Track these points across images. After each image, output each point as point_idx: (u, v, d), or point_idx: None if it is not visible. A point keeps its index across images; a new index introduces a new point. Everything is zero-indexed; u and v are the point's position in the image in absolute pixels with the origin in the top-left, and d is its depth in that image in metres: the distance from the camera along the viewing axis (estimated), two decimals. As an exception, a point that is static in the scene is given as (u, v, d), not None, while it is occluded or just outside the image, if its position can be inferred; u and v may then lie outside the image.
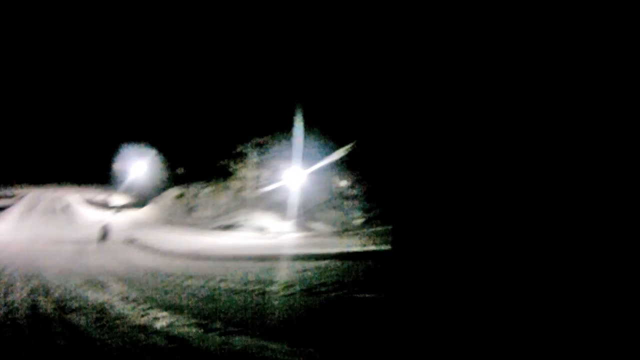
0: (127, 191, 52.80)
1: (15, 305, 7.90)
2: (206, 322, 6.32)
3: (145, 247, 20.18)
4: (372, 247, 16.84)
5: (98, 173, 61.76)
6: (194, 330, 5.93)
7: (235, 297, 8.67)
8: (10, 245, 19.09)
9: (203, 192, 39.10)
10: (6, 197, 40.77)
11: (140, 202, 43.98)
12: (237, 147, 35.48)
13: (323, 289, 8.46)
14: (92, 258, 16.69)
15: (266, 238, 27.78)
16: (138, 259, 16.49)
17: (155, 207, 40.78)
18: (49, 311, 7.45)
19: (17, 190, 43.73)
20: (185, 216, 37.12)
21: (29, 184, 46.50)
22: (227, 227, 32.56)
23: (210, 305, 7.75)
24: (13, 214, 32.56)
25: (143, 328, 6.09)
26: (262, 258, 14.93)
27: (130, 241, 21.96)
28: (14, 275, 11.78)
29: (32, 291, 9.45)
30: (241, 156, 35.59)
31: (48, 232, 25.55)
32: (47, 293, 9.31)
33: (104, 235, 22.39)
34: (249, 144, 34.88)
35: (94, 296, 9.04)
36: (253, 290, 9.03)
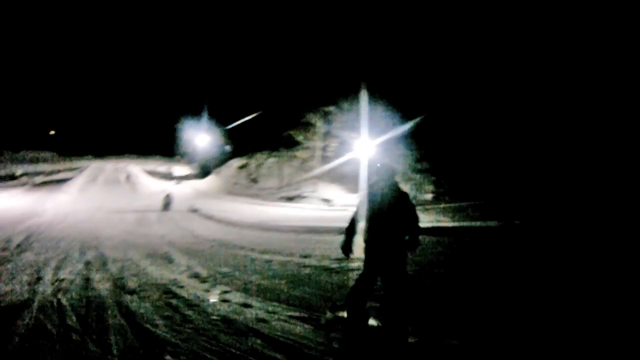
0: (189, 162, 53.22)
1: (64, 283, 6.45)
2: (310, 314, 4.50)
3: (209, 217, 18.91)
4: (465, 223, 14.77)
5: (159, 145, 62.81)
6: (300, 326, 4.11)
7: (327, 277, 6.93)
8: (70, 215, 18.34)
9: (267, 163, 37.90)
10: (69, 169, 41.85)
11: (201, 172, 43.70)
12: (303, 116, 33.35)
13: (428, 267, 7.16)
14: (154, 228, 15.54)
15: (333, 210, 26.05)
16: (203, 229, 15.19)
17: (218, 178, 40.11)
18: (103, 293, 5.89)
19: (80, 163, 44.98)
20: (248, 187, 36.11)
21: (91, 155, 47.90)
22: (291, 199, 31.23)
23: (306, 290, 5.92)
24: (75, 185, 32.85)
25: (228, 323, 4.33)
26: (340, 231, 13.26)
27: (194, 210, 20.87)
28: (71, 246, 10.57)
29: (87, 266, 8.20)
30: (307, 126, 33.57)
31: (109, 202, 25.35)
32: (104, 268, 7.99)
33: (167, 204, 21.40)
34: (315, 113, 32.80)
35: (157, 273, 7.58)
36: (350, 269, 7.19)
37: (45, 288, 6.04)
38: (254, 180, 36.47)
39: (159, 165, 52.18)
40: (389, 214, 3.60)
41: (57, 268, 7.76)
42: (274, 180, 35.34)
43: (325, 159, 33.29)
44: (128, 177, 37.97)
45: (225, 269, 7.77)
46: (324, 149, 33.05)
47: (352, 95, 30.56)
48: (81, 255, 9.23)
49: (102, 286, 6.28)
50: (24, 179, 36.20)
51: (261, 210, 23.15)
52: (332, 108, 31.96)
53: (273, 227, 15.30)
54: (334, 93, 31.85)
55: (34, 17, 72.85)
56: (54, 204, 22.84)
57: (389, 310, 3.57)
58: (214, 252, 10.30)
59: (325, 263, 8.07)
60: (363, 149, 30.63)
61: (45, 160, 56.09)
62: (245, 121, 40.29)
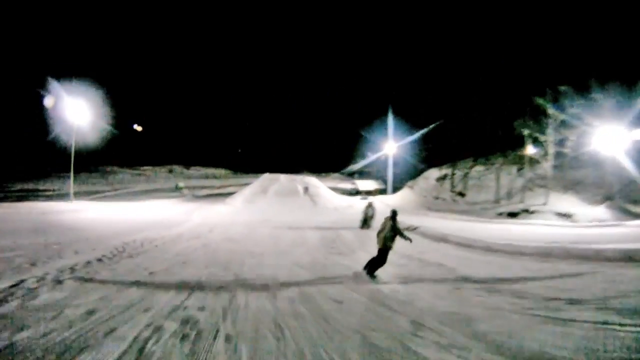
0: (374, 176, 49.26)
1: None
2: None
3: (440, 238, 12.83)
4: None
5: (337, 162, 60.63)
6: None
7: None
8: (219, 228, 14.51)
9: (474, 172, 30.93)
10: (239, 184, 40.74)
11: (391, 187, 38.69)
12: (530, 100, 25.40)
13: None
14: (357, 256, 9.47)
15: (580, 226, 18.16)
16: (445, 258, 9.38)
17: (411, 192, 34.38)
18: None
19: (253, 179, 43.33)
20: (454, 201, 29.50)
21: (267, 173, 46.29)
22: (515, 214, 23.67)
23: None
24: (240, 197, 29.19)
25: None
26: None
27: (412, 228, 14.54)
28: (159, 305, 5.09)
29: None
30: (536, 114, 25.62)
31: (282, 215, 21.03)
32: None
33: (369, 218, 15.43)
34: (546, 97, 24.60)
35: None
36: None
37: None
38: (460, 194, 29.80)
39: (339, 181, 49.40)
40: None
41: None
42: (487, 192, 28.24)
43: (559, 159, 24.78)
44: (306, 189, 32.90)
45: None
46: (561, 143, 24.40)
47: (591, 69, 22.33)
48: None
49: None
50: (185, 191, 36.63)
51: (489, 229, 16.34)
52: (566, 88, 23.32)
53: (551, 254, 8.76)
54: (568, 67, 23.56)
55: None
56: (204, 214, 20.25)
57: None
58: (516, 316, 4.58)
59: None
60: (611, 142, 21.93)
61: (216, 177, 58.87)
62: (443, 123, 33.85)
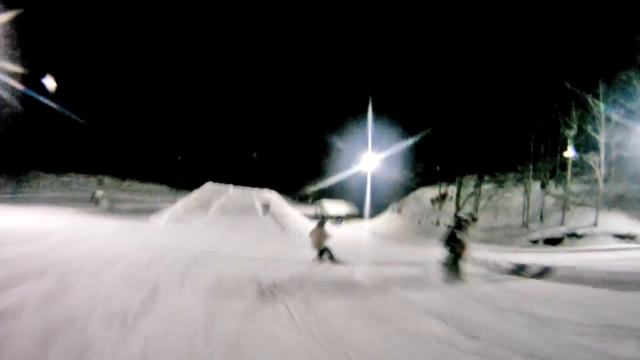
0: (342, 197, 39.82)
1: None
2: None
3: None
4: None
5: (287, 179, 51.23)
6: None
7: None
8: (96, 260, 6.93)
9: (485, 190, 25.00)
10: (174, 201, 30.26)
11: (371, 210, 31.43)
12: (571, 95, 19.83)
13: None
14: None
15: None
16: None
17: (397, 216, 27.69)
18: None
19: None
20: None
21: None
22: (557, 241, 17.89)
23: None
24: (167, 214, 19.36)
25: None
26: None
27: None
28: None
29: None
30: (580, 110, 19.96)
31: (233, 244, 11.96)
32: None
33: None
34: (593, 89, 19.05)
35: None
36: None
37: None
38: (471, 218, 23.57)
39: (297, 205, 37.81)
40: None
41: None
42: (504, 214, 22.27)
43: (611, 167, 19.26)
44: (266, 207, 22.60)
45: None
46: (617, 146, 18.69)
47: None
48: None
49: None
50: (105, 202, 27.67)
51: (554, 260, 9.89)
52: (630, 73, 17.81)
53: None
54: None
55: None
56: (94, 232, 11.51)
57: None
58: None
59: None
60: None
61: (150, 192, 49.95)
62: (436, 130, 27.59)
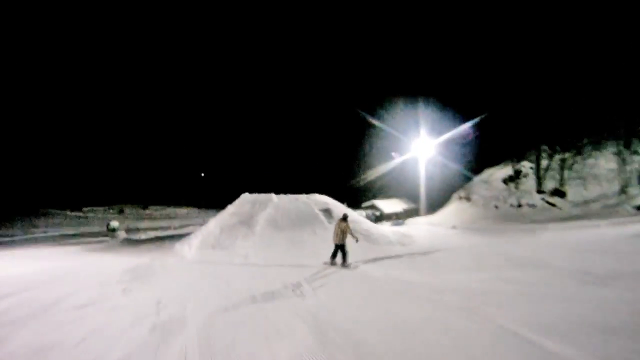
0: (392, 192, 36.16)
1: None
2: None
3: None
4: None
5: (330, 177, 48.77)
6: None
7: None
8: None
9: (562, 161, 22.55)
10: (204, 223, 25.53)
11: (428, 204, 29.12)
12: None
13: None
14: None
15: None
16: None
17: (466, 205, 24.63)
18: None
19: None
20: (547, 204, 20.85)
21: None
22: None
23: None
24: (196, 239, 13.75)
25: None
26: None
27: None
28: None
29: None
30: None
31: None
32: None
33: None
34: None
35: None
36: None
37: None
38: (557, 193, 21.17)
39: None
40: None
41: None
42: (594, 185, 19.98)
43: None
44: (328, 212, 17.51)
45: None
46: None
47: None
48: None
49: None
50: (122, 233, 25.24)
51: None
52: None
53: None
54: None
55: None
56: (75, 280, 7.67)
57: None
58: None
59: None
60: None
61: (171, 217, 48.04)
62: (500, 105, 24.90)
